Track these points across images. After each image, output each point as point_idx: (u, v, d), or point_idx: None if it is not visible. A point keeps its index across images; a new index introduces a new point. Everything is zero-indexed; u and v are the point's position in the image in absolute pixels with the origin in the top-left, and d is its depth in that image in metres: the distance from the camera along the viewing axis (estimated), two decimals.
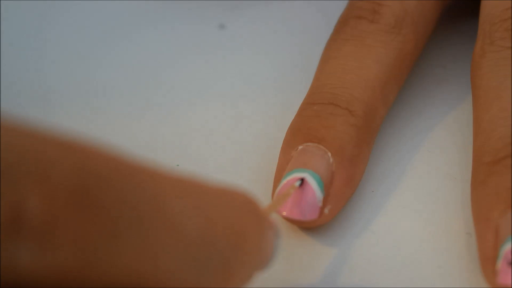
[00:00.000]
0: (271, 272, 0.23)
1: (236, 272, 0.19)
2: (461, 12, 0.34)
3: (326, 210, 0.26)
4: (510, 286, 0.23)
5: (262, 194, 0.28)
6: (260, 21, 0.36)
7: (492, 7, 0.29)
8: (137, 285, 0.16)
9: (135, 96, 0.33)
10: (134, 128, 0.31)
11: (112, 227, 0.15)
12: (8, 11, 0.36)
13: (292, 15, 0.36)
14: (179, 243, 0.17)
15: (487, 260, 0.24)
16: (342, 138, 0.26)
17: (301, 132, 0.27)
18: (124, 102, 0.32)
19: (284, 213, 0.25)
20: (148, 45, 0.35)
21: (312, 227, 0.26)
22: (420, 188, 0.28)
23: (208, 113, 0.32)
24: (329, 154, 0.26)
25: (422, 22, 0.30)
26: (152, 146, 0.30)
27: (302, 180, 0.25)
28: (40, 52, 0.35)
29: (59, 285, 0.15)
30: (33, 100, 0.32)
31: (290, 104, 0.30)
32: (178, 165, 0.29)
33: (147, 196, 0.16)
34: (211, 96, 0.32)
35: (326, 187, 0.26)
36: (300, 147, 0.27)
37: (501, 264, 0.24)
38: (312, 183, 0.26)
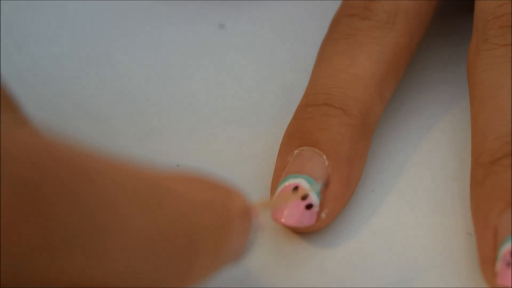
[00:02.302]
0: (271, 273, 0.23)
1: (190, 271, 0.18)
2: (459, 9, 0.34)
3: (323, 214, 0.26)
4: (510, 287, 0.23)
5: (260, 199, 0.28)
6: (260, 21, 0.36)
7: (486, 4, 0.28)
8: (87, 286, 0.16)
9: (134, 96, 0.32)
10: (133, 128, 0.31)
11: (59, 229, 0.15)
12: (8, 11, 0.36)
13: (293, 15, 0.36)
14: (129, 246, 0.17)
15: (487, 261, 0.24)
16: (337, 139, 0.26)
17: (296, 136, 0.27)
18: (123, 101, 0.32)
19: (283, 220, 0.25)
20: (148, 45, 0.35)
21: (310, 232, 0.26)
22: (420, 188, 0.28)
23: (207, 114, 0.32)
24: (324, 157, 0.26)
25: (416, 16, 0.29)
26: (150, 146, 0.30)
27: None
28: (39, 52, 0.35)
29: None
30: (32, 101, 0.33)
31: (291, 104, 0.30)
32: (178, 165, 0.29)
33: (100, 198, 0.16)
34: (210, 96, 0.32)
35: (322, 190, 0.26)
36: (295, 152, 0.26)
37: (500, 265, 0.24)
38: (307, 188, 0.25)
